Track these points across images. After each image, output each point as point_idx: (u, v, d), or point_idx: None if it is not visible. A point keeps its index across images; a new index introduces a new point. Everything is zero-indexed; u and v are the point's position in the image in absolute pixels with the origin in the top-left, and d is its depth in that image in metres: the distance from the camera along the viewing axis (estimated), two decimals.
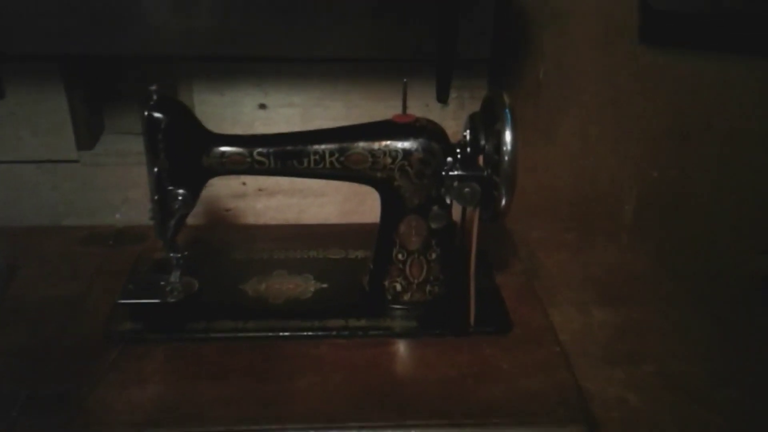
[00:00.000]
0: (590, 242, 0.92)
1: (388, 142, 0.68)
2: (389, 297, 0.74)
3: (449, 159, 0.68)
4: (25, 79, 0.87)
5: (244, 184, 0.95)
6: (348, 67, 0.89)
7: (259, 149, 0.69)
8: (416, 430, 0.60)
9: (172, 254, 0.75)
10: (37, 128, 0.90)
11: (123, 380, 0.64)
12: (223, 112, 0.90)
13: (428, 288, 0.73)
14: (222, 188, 0.95)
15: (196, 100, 0.90)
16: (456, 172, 0.67)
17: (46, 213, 0.93)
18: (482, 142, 0.68)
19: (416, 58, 0.88)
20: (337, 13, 0.86)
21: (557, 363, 0.67)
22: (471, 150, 0.69)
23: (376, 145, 0.68)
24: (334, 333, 0.70)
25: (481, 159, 0.69)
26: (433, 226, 0.71)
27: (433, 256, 0.72)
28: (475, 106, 0.73)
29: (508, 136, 0.65)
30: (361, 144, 0.68)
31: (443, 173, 0.68)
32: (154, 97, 0.68)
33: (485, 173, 0.68)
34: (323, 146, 0.69)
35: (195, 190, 0.72)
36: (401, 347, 0.70)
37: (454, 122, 0.90)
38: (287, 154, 0.69)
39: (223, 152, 0.70)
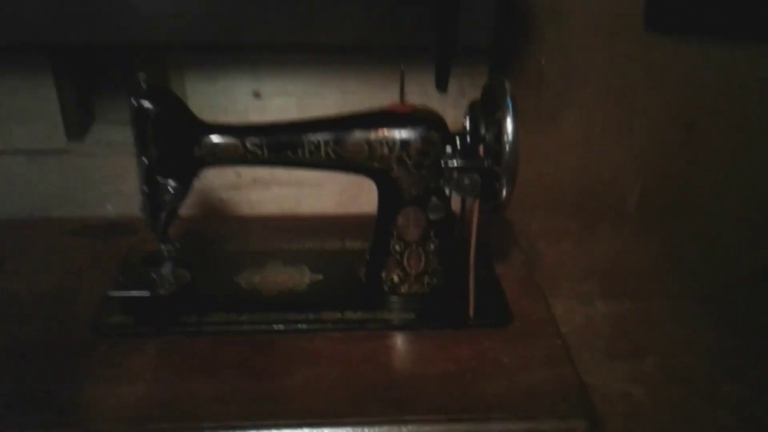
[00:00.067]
0: (593, 233, 0.90)
1: (386, 132, 0.66)
2: (386, 289, 0.73)
3: (448, 149, 0.67)
4: (13, 69, 0.85)
5: (238, 174, 0.93)
6: (345, 54, 0.87)
7: (252, 139, 0.67)
8: (414, 426, 0.58)
9: (163, 246, 0.73)
10: (26, 118, 0.88)
11: (112, 376, 0.63)
12: (216, 101, 0.88)
13: (426, 280, 0.72)
14: (216, 179, 0.93)
15: (188, 88, 0.88)
16: (455, 163, 0.66)
17: (35, 204, 0.91)
18: (483, 132, 0.67)
19: (415, 45, 0.86)
20: None
21: (559, 356, 0.65)
22: (471, 139, 0.67)
23: (372, 135, 0.66)
24: (329, 326, 0.69)
25: (481, 149, 0.67)
26: (432, 217, 0.69)
27: (432, 247, 0.71)
28: (476, 95, 0.71)
29: (509, 125, 0.63)
30: (358, 133, 0.67)
31: (442, 163, 0.67)
32: (143, 85, 0.66)
33: (486, 163, 0.66)
34: (318, 136, 0.67)
35: (186, 182, 0.70)
36: (399, 340, 0.68)
37: (453, 111, 0.88)
38: (281, 144, 0.68)
39: (215, 142, 0.68)
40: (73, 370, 0.63)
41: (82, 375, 0.63)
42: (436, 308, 0.71)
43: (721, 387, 0.63)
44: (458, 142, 0.68)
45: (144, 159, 0.67)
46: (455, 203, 0.71)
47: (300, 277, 0.76)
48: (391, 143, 0.66)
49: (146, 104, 0.65)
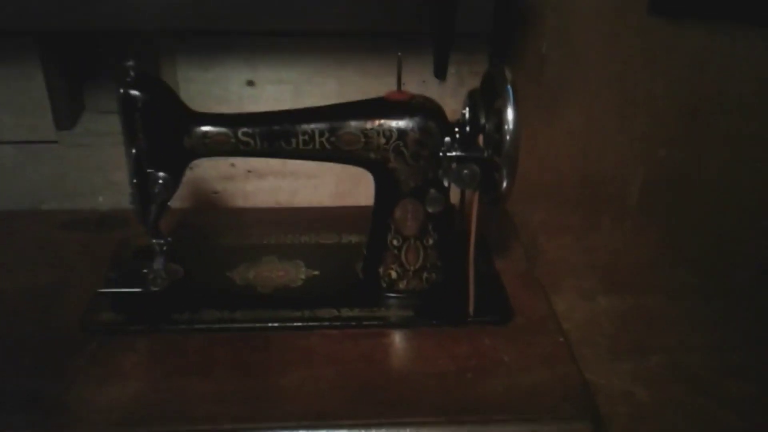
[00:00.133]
0: (595, 225, 0.88)
1: (382, 121, 0.64)
2: (384, 285, 0.71)
3: (447, 139, 0.65)
4: (0, 57, 0.82)
5: (232, 165, 0.91)
6: (341, 41, 0.85)
7: (245, 129, 0.65)
8: (412, 428, 0.56)
9: (154, 241, 0.71)
10: (13, 108, 0.86)
11: (102, 375, 0.61)
12: (209, 90, 0.86)
13: (425, 275, 0.70)
14: (209, 170, 0.91)
15: (180, 77, 0.86)
16: (454, 153, 0.64)
17: (24, 197, 0.89)
18: (482, 121, 0.65)
19: (413, 32, 0.84)
20: None
21: (561, 355, 0.64)
22: (470, 129, 0.66)
23: (368, 125, 0.64)
24: (325, 323, 0.67)
25: (481, 139, 0.65)
26: (430, 210, 0.67)
27: (430, 241, 0.69)
28: (475, 83, 0.69)
29: (509, 114, 0.61)
30: (353, 123, 0.65)
31: (441, 154, 0.65)
32: (131, 73, 0.64)
33: (485, 154, 0.64)
34: (313, 125, 0.65)
35: (176, 173, 0.68)
36: (396, 338, 0.66)
37: (452, 100, 0.86)
38: (274, 134, 0.65)
39: (206, 132, 0.66)
40: (62, 370, 0.61)
41: (71, 374, 0.61)
42: (434, 305, 0.69)
43: (730, 386, 0.61)
44: (457, 132, 0.66)
45: (132, 150, 0.65)
46: (454, 195, 0.70)
47: (295, 273, 0.74)
48: (387, 133, 0.64)
49: (134, 93, 0.63)
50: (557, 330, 0.67)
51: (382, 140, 0.65)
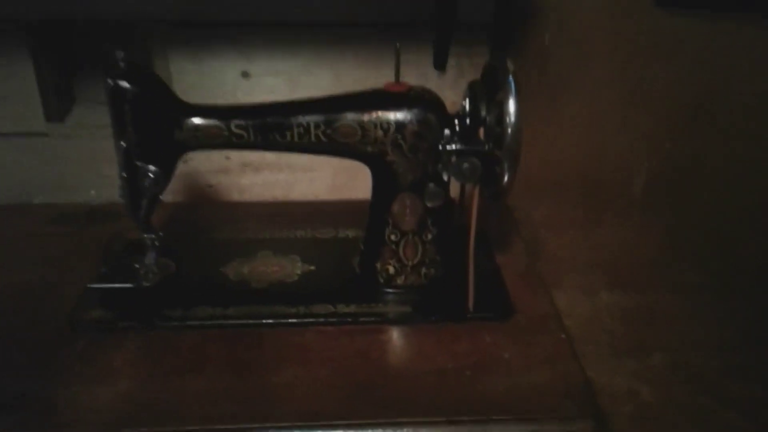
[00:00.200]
0: (598, 220, 0.86)
1: (380, 113, 0.63)
2: (381, 280, 0.69)
3: (447, 132, 0.63)
4: None
5: (227, 158, 0.89)
6: (338, 31, 0.84)
7: (238, 121, 0.64)
8: (410, 428, 0.55)
9: (146, 235, 0.70)
10: (1, 99, 0.84)
11: (90, 374, 0.59)
12: (202, 82, 0.85)
13: (423, 271, 0.69)
14: (203, 162, 0.89)
15: (173, 68, 0.84)
16: (454, 146, 0.63)
17: (13, 190, 0.88)
18: (483, 113, 0.64)
19: (412, 21, 0.82)
20: None
21: (563, 352, 0.62)
22: (471, 122, 0.64)
23: (366, 117, 0.63)
24: (321, 320, 0.66)
25: (481, 132, 0.64)
26: (429, 204, 0.66)
27: (429, 236, 0.68)
28: (476, 74, 0.68)
29: (511, 106, 0.60)
30: (350, 115, 0.63)
31: (440, 147, 0.63)
32: (121, 64, 0.62)
33: (486, 147, 0.63)
34: (308, 118, 0.63)
35: (168, 167, 0.66)
36: (394, 335, 0.65)
37: (452, 92, 0.85)
38: (268, 127, 0.64)
39: (198, 125, 0.64)
40: (50, 368, 0.60)
41: (59, 373, 0.59)
42: (433, 301, 0.68)
43: (734, 385, 0.60)
44: (457, 125, 0.64)
45: (122, 143, 0.64)
46: (454, 189, 0.68)
47: (291, 268, 0.73)
48: (385, 126, 0.63)
49: (123, 84, 0.62)
50: (559, 327, 0.66)
51: (380, 133, 0.63)
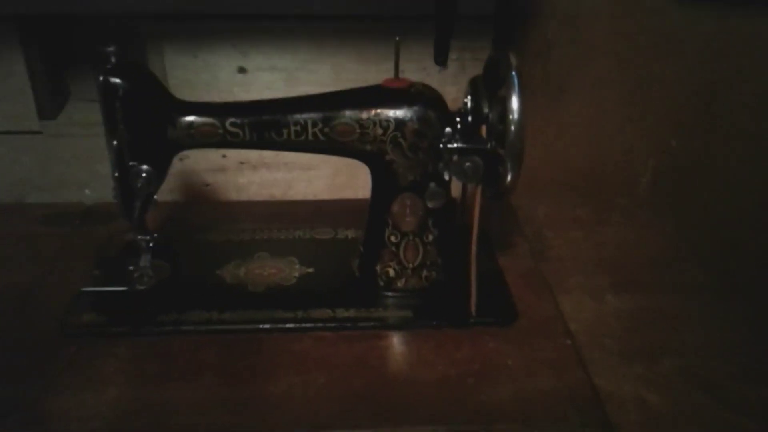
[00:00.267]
0: (603, 219, 0.85)
1: (379, 111, 0.61)
2: (381, 283, 0.68)
3: (448, 129, 0.62)
4: None
5: (224, 156, 0.87)
6: (337, 25, 0.82)
7: (233, 119, 0.62)
8: None
9: (140, 237, 0.68)
10: None
11: (80, 382, 0.58)
12: (198, 77, 0.83)
13: (424, 273, 0.67)
14: (200, 161, 0.87)
15: (168, 63, 0.82)
16: (456, 145, 0.61)
17: (5, 190, 0.86)
18: (485, 110, 0.62)
19: (412, 15, 0.80)
20: None
21: (568, 359, 0.61)
22: (473, 119, 0.63)
23: (364, 114, 0.61)
24: (319, 325, 0.64)
25: (484, 129, 0.62)
26: (430, 205, 0.64)
27: (430, 238, 0.66)
28: (478, 69, 0.66)
29: (514, 102, 0.58)
30: (348, 113, 0.61)
31: (441, 146, 0.62)
32: (112, 59, 0.60)
33: (489, 145, 0.61)
34: (305, 115, 0.61)
35: (161, 166, 0.64)
36: (394, 341, 0.63)
37: (453, 87, 0.83)
38: (264, 125, 0.62)
39: (191, 122, 0.62)
40: (38, 375, 0.58)
41: (47, 380, 0.58)
42: (434, 305, 0.66)
43: (748, 392, 0.58)
44: (458, 122, 0.63)
45: (113, 141, 0.62)
46: (455, 189, 0.67)
47: (289, 271, 0.71)
48: (384, 123, 0.61)
49: (114, 80, 0.60)
50: (564, 332, 0.64)
51: (379, 131, 0.61)
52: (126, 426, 0.54)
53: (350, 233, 0.77)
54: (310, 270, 0.71)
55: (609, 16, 0.84)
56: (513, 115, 0.58)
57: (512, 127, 0.58)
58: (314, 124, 0.61)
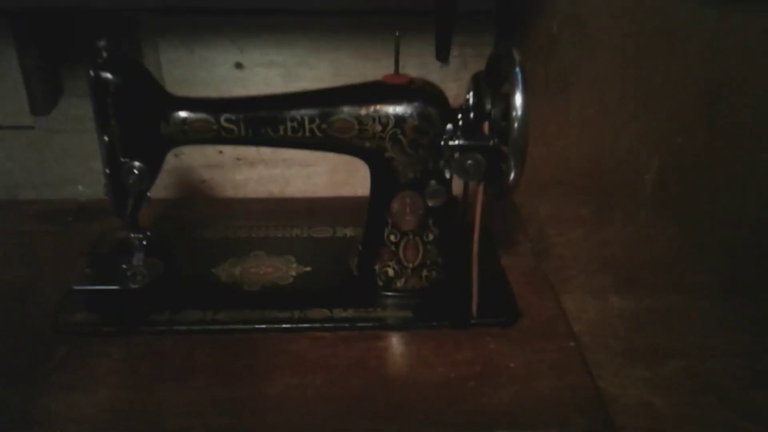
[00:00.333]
0: (607, 218, 0.83)
1: (378, 107, 0.60)
2: (380, 283, 0.66)
3: (449, 126, 0.60)
4: None
5: (220, 152, 0.86)
6: (336, 20, 0.80)
7: (228, 115, 0.60)
8: None
9: (132, 235, 0.66)
10: None
11: (71, 383, 0.56)
12: (194, 73, 0.82)
13: (424, 273, 0.66)
14: (195, 157, 0.86)
15: (163, 58, 0.81)
16: (457, 142, 0.60)
17: None
18: (488, 107, 0.61)
19: (413, 10, 0.79)
20: None
21: (571, 361, 0.59)
22: (475, 116, 0.61)
23: (363, 110, 0.60)
24: (316, 325, 0.63)
25: (486, 126, 0.60)
26: (431, 203, 0.63)
27: (430, 237, 0.65)
28: (480, 65, 0.65)
29: (518, 99, 0.57)
30: (346, 109, 0.60)
31: (442, 143, 0.60)
32: (104, 53, 0.58)
33: (491, 143, 0.60)
34: (302, 111, 0.60)
35: (154, 163, 0.63)
36: (393, 342, 0.62)
37: (455, 84, 0.82)
38: (260, 121, 0.60)
39: (185, 118, 0.60)
40: (29, 375, 0.57)
41: (38, 380, 0.57)
42: (435, 305, 0.65)
43: (756, 395, 0.57)
44: (460, 119, 0.61)
45: (105, 137, 0.60)
46: (456, 187, 0.65)
47: (285, 269, 0.69)
48: (384, 120, 0.60)
49: (106, 75, 0.59)
50: (567, 333, 0.62)
51: (378, 127, 0.60)
52: (119, 428, 0.53)
53: (349, 231, 0.76)
54: (308, 269, 0.70)
55: (612, 13, 0.83)
56: (516, 112, 0.56)
57: (515, 124, 0.57)
58: (311, 120, 0.60)
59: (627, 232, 0.81)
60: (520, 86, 0.57)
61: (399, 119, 0.60)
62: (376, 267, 0.66)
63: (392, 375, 0.58)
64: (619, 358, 0.61)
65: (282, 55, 0.82)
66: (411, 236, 0.64)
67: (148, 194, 0.66)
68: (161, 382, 0.56)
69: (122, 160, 0.61)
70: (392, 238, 0.64)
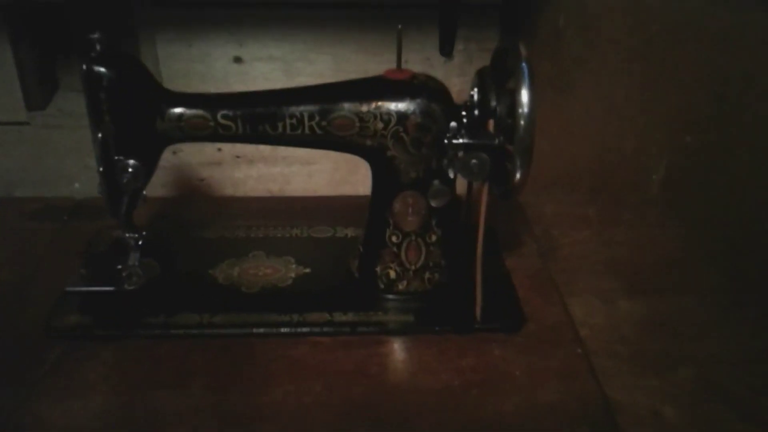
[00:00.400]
0: (614, 218, 0.81)
1: (380, 103, 0.58)
2: (381, 286, 0.65)
3: (453, 124, 0.58)
4: None
5: (219, 149, 0.84)
6: (337, 13, 0.78)
7: (225, 111, 0.59)
8: None
9: (128, 235, 0.65)
10: None
11: (63, 388, 0.55)
12: (192, 67, 0.80)
13: (427, 276, 0.64)
14: (194, 154, 0.84)
15: (161, 52, 0.79)
16: (461, 140, 0.58)
17: None
18: (493, 104, 0.59)
19: (416, 3, 0.77)
20: None
21: (578, 368, 0.58)
22: (479, 113, 0.59)
23: (364, 107, 0.58)
24: (315, 329, 0.61)
25: (491, 124, 0.58)
26: (433, 203, 0.61)
27: (433, 238, 0.63)
28: (485, 60, 0.63)
29: (524, 95, 0.55)
30: (347, 105, 0.58)
31: (446, 141, 0.58)
32: (97, 47, 0.56)
33: (496, 141, 0.58)
34: (301, 108, 0.58)
35: (149, 160, 0.61)
36: (395, 347, 0.60)
37: (459, 80, 0.80)
38: (258, 117, 0.59)
39: (181, 114, 0.59)
40: (19, 379, 0.55)
41: (29, 385, 0.55)
42: (437, 309, 0.63)
43: (766, 404, 0.55)
44: (464, 116, 0.59)
45: (98, 134, 0.58)
46: (460, 187, 0.63)
47: (284, 271, 0.68)
48: (385, 117, 0.58)
49: (99, 69, 0.57)
50: (574, 339, 0.60)
51: (380, 125, 0.58)
52: None
53: (350, 232, 0.74)
54: (307, 270, 0.68)
55: (621, 7, 0.81)
56: (523, 109, 0.55)
57: (522, 122, 0.55)
58: (311, 117, 0.58)
59: (635, 233, 0.79)
60: (526, 82, 0.55)
61: (401, 116, 0.58)
62: (378, 269, 0.64)
63: (393, 382, 0.56)
64: (627, 364, 0.59)
65: (282, 49, 0.80)
66: (413, 237, 0.62)
67: (144, 192, 0.64)
68: (155, 388, 0.55)
69: (116, 157, 0.59)
70: (394, 239, 0.63)
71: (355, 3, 0.78)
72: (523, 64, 0.55)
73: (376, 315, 0.62)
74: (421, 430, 0.52)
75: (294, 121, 0.58)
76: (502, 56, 0.61)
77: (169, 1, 0.76)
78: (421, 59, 0.79)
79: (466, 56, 0.81)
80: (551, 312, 0.64)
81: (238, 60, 0.80)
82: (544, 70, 0.84)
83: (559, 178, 0.87)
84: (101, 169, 0.60)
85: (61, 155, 0.83)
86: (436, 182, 0.60)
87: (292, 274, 0.67)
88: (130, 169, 0.59)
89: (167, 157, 0.81)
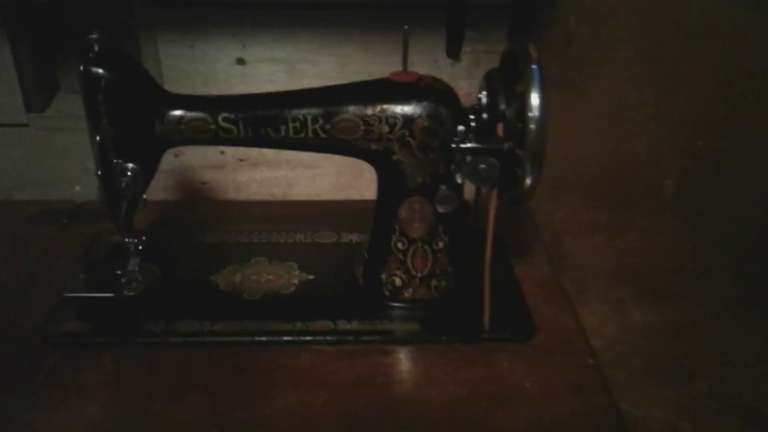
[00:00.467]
0: (626, 224, 0.79)
1: (385, 106, 0.56)
2: (387, 293, 0.63)
3: (461, 128, 0.57)
4: None
5: (222, 152, 0.83)
6: (342, 14, 0.77)
7: (226, 114, 0.57)
8: None
9: (127, 239, 0.63)
10: None
11: (59, 396, 0.54)
12: (194, 69, 0.79)
13: (434, 283, 0.62)
14: (196, 157, 0.83)
15: (162, 53, 0.78)
16: (469, 145, 0.57)
17: None
18: (502, 107, 0.57)
19: (422, 4, 0.76)
20: None
21: (590, 380, 0.56)
22: (488, 116, 0.58)
23: (369, 110, 0.56)
24: (319, 338, 0.59)
25: (500, 128, 0.57)
26: (440, 209, 0.60)
27: (440, 245, 0.61)
28: (493, 63, 0.62)
29: (534, 98, 0.53)
30: (351, 108, 0.56)
31: (453, 145, 0.57)
32: (95, 47, 0.55)
33: (505, 145, 0.57)
34: (304, 111, 0.57)
35: (148, 164, 0.60)
36: (400, 358, 0.58)
37: (467, 82, 0.79)
38: (260, 120, 0.57)
39: (181, 117, 0.57)
40: (14, 387, 0.54)
41: (24, 394, 0.54)
42: (444, 318, 0.62)
43: None
44: (472, 120, 0.58)
45: (96, 137, 0.57)
46: (468, 193, 0.62)
47: (287, 277, 0.66)
48: (391, 120, 0.56)
49: (97, 70, 0.56)
50: (586, 350, 0.59)
51: (385, 128, 0.56)
52: None
53: (354, 237, 0.72)
54: (311, 277, 0.66)
55: (633, 8, 0.79)
56: (533, 112, 0.53)
57: (532, 126, 0.53)
58: (314, 120, 0.57)
59: (647, 239, 0.77)
60: (537, 85, 0.53)
61: (407, 120, 0.56)
62: (383, 276, 0.62)
63: (399, 393, 0.55)
64: (641, 376, 0.57)
65: (285, 50, 0.79)
66: (420, 244, 0.61)
67: (145, 196, 0.62)
68: (154, 398, 0.53)
69: (115, 161, 0.58)
70: (400, 245, 0.61)
71: (359, 3, 0.77)
72: (534, 66, 0.54)
73: (381, 323, 0.61)
74: None
75: (297, 124, 0.57)
76: (511, 58, 0.59)
77: (171, 1, 0.75)
78: (428, 61, 0.78)
79: (474, 58, 0.80)
80: (562, 321, 0.62)
81: (240, 61, 0.79)
82: (554, 72, 0.82)
83: (569, 182, 0.85)
84: (100, 172, 0.58)
85: (60, 158, 0.82)
86: (443, 187, 0.58)
87: (295, 281, 0.66)
88: (129, 173, 0.58)
89: (169, 160, 0.80)
